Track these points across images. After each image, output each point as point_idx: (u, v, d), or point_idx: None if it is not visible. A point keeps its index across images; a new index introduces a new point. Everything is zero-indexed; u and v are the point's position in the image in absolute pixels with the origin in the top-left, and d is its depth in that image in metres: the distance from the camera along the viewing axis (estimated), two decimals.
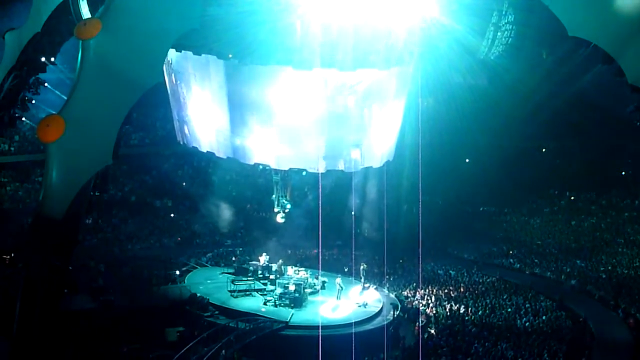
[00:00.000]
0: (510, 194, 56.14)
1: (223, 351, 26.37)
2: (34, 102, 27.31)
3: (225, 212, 45.86)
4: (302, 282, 33.31)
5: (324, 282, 35.28)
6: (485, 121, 49.92)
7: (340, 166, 29.75)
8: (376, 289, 36.21)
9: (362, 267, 36.16)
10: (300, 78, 26.92)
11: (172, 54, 28.49)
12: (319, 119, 28.00)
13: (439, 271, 42.74)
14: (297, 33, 25.40)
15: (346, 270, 39.34)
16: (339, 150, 29.09)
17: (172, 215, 48.42)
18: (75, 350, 25.54)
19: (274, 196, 33.34)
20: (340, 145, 28.98)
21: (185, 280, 36.00)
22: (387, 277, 38.27)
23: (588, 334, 31.81)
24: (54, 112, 20.08)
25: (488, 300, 35.53)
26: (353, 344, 25.93)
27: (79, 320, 27.94)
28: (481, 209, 57.35)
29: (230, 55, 27.10)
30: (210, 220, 46.66)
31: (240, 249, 44.82)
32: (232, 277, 35.52)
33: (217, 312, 31.65)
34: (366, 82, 27.67)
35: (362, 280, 35.97)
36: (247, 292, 33.74)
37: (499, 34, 28.43)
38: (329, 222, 37.05)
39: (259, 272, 35.48)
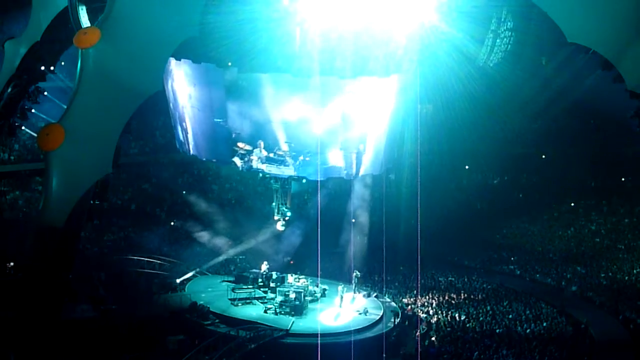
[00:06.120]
0: (510, 201, 56.05)
1: (224, 359, 26.32)
2: (33, 110, 27.38)
3: (225, 220, 45.77)
4: (302, 290, 33.23)
5: (324, 289, 35.19)
6: (484, 128, 49.86)
7: (340, 173, 29.83)
8: (377, 296, 36.10)
9: (354, 275, 35.86)
10: (298, 86, 27.06)
11: (171, 62, 28.56)
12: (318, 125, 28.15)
13: (439, 278, 42.60)
14: (296, 41, 25.46)
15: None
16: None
17: (172, 223, 48.30)
18: (75, 359, 25.47)
19: (273, 204, 33.38)
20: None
21: (186, 289, 35.88)
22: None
23: (589, 340, 31.71)
24: (53, 121, 20.11)
25: (489, 307, 35.43)
26: (353, 352, 25.88)
27: (79, 330, 27.86)
28: (481, 215, 57.16)
29: (229, 64, 27.18)
30: (211, 228, 46.54)
31: (241, 256, 44.70)
32: (233, 285, 35.47)
33: (217, 320, 31.53)
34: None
35: (354, 287, 35.53)
36: (248, 300, 33.66)
37: (498, 40, 28.54)
38: (328, 229, 37.11)
39: (260, 280, 35.39)
